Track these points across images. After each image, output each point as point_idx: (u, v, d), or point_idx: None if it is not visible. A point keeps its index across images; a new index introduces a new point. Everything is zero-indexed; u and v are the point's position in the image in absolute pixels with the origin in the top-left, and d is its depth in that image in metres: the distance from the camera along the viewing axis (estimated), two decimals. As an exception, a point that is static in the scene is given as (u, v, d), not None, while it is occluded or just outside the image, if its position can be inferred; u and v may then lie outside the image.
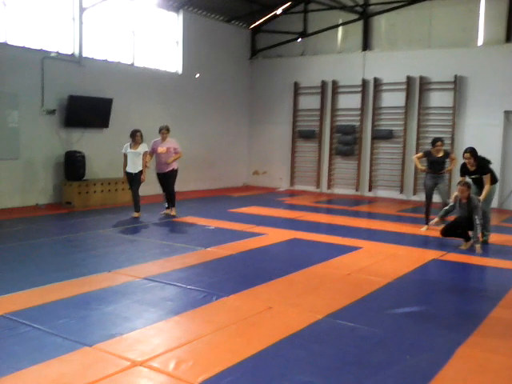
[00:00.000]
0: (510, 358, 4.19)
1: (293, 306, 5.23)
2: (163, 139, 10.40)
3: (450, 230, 8.31)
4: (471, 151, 8.48)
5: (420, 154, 10.22)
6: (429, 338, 4.57)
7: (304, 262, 6.96)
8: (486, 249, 8.21)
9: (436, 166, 9.71)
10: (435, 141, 9.84)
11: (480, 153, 8.80)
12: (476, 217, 7.85)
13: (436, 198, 10.07)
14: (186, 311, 5.01)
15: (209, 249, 7.66)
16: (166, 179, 10.39)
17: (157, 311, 5.05)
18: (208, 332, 4.49)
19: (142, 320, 4.79)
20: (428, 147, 13.85)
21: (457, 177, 9.52)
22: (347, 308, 5.26)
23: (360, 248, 8.03)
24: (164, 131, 10.41)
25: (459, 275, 6.90)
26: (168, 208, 10.57)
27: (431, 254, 7.72)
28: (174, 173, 10.42)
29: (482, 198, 8.30)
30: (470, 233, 8.13)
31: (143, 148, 10.15)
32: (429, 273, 6.94)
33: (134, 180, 10.16)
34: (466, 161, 8.54)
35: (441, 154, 9.74)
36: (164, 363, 3.89)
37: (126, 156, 10.15)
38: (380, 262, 7.28)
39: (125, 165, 10.16)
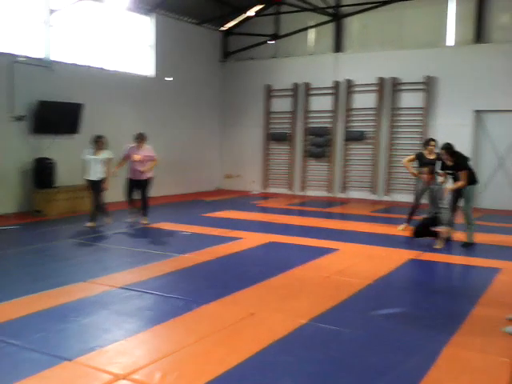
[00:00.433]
0: (496, 357, 4.20)
1: (275, 312, 5.16)
2: (139, 147, 10.17)
3: (420, 231, 8.36)
4: (445, 148, 8.53)
5: (411, 157, 9.84)
6: (414, 339, 4.56)
7: (282, 266, 6.91)
8: (460, 246, 8.32)
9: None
10: (428, 141, 9.65)
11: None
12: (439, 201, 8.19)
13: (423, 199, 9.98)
14: (166, 320, 4.89)
15: (185, 255, 7.54)
16: (141, 187, 10.15)
17: (136, 321, 4.93)
18: (191, 341, 4.39)
19: (122, 331, 4.67)
20: (400, 148, 14.16)
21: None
22: (330, 311, 5.22)
23: (337, 250, 8.02)
24: (140, 139, 10.19)
25: (437, 275, 6.97)
26: (138, 215, 10.25)
27: (408, 254, 7.76)
28: (149, 181, 10.21)
29: (450, 187, 8.51)
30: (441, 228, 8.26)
31: (106, 155, 9.81)
32: (407, 273, 6.95)
33: (95, 187, 9.77)
34: (443, 157, 8.63)
35: (433, 156, 9.41)
36: (148, 376, 3.77)
37: (85, 163, 9.70)
38: (358, 263, 7.28)
39: (86, 171, 9.72)
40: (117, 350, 4.21)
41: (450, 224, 8.58)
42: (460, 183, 8.42)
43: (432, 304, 5.71)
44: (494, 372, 3.95)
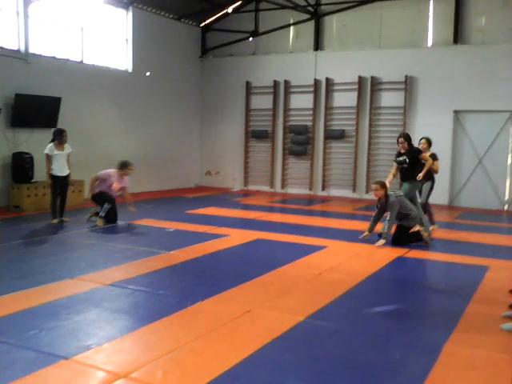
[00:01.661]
0: (496, 353, 4.20)
1: (271, 309, 5.10)
2: (121, 176, 9.82)
3: (400, 239, 8.28)
4: (404, 135, 8.80)
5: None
6: (413, 336, 4.55)
7: (273, 263, 6.84)
8: (445, 244, 8.39)
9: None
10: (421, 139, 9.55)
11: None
12: (390, 214, 8.11)
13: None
14: (161, 318, 4.77)
15: (172, 252, 7.42)
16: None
17: (130, 319, 4.81)
18: (189, 339, 4.29)
19: (117, 329, 4.54)
20: (380, 147, 14.25)
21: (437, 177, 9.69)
22: (325, 308, 5.18)
23: (325, 247, 8.00)
24: (123, 169, 9.83)
25: (427, 272, 6.99)
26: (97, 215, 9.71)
27: (395, 252, 7.77)
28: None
29: (421, 174, 8.66)
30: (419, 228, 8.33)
31: (69, 149, 9.59)
32: (397, 270, 6.95)
33: (64, 184, 9.55)
34: (400, 145, 8.76)
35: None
36: (150, 374, 3.66)
37: (50, 158, 9.37)
38: (347, 260, 7.26)
39: (49, 168, 9.39)
40: (114, 348, 4.09)
41: (423, 222, 8.66)
42: (427, 165, 8.78)
43: (426, 301, 5.74)
44: (496, 368, 3.95)
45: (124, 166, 9.84)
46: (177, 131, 15.96)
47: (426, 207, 9.21)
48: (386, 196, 8.17)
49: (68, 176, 9.62)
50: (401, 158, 8.72)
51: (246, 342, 4.26)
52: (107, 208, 9.47)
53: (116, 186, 9.68)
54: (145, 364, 3.81)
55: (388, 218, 8.15)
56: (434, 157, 9.24)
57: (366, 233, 8.53)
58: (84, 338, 4.27)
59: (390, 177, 9.02)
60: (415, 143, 9.16)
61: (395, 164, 8.99)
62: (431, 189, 9.37)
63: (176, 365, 3.82)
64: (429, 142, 9.48)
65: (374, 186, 8.37)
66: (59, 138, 9.47)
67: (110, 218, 9.56)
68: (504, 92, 12.84)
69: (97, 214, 9.58)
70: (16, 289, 5.47)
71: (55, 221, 9.47)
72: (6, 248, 7.48)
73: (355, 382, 3.68)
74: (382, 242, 8.10)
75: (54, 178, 9.42)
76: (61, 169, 9.48)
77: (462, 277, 6.57)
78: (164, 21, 15.28)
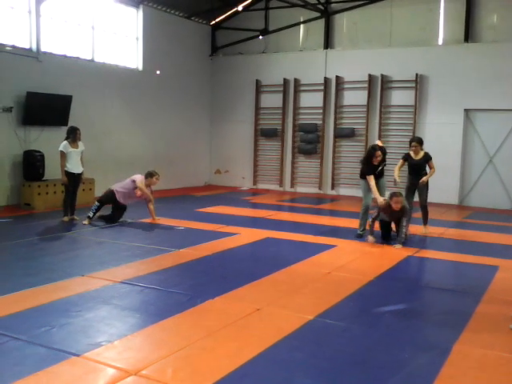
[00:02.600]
0: (505, 353, 4.18)
1: (281, 307, 5.11)
2: (149, 185, 9.83)
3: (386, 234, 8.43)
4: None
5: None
6: (423, 335, 4.55)
7: (283, 262, 6.86)
8: (455, 244, 8.38)
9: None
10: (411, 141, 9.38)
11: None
12: (407, 220, 8.18)
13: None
14: (171, 315, 4.80)
15: (182, 250, 7.44)
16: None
17: (141, 316, 4.84)
18: (199, 337, 4.31)
19: (128, 326, 4.57)
20: (390, 145, 14.17)
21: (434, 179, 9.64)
22: (335, 307, 5.18)
23: (335, 246, 8.00)
24: (157, 178, 9.87)
25: (437, 272, 6.95)
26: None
27: (405, 251, 7.75)
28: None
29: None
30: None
31: (82, 146, 9.67)
32: (407, 270, 6.95)
33: (77, 181, 9.65)
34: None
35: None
36: (160, 372, 3.69)
37: (65, 155, 9.41)
38: (357, 259, 7.26)
39: (64, 165, 9.41)
40: (125, 345, 4.12)
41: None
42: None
43: (435, 301, 5.72)
44: (506, 368, 3.94)
45: (150, 176, 9.77)
46: (186, 129, 15.99)
47: (427, 207, 9.14)
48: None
49: (82, 173, 9.72)
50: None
51: (256, 340, 4.27)
52: (95, 208, 9.45)
53: (138, 192, 9.59)
54: (155, 361, 3.84)
55: (405, 224, 8.11)
56: (430, 156, 9.10)
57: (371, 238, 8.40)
58: (95, 335, 4.30)
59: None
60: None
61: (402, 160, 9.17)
62: (427, 189, 9.24)
63: (186, 362, 3.84)
64: (419, 143, 9.08)
65: (400, 199, 7.91)
66: (73, 135, 9.53)
67: (113, 219, 9.58)
68: (515, 91, 12.76)
69: (102, 216, 9.60)
70: (27, 286, 5.52)
71: (66, 218, 9.53)
72: (17, 245, 7.54)
73: (364, 380, 3.68)
74: (399, 246, 8.04)
75: (68, 175, 9.48)
76: (76, 166, 9.55)
77: (471, 277, 6.55)
78: (174, 19, 15.30)
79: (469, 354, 4.15)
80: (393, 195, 7.96)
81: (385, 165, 8.78)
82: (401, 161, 9.23)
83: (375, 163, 8.52)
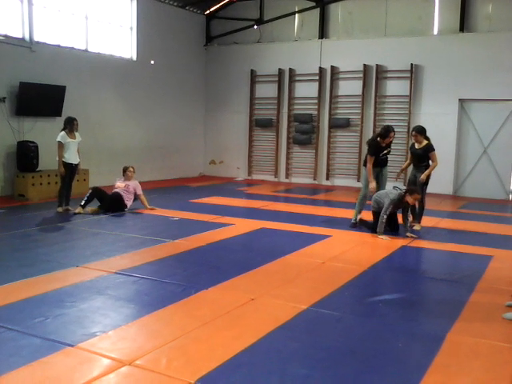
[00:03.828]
0: (498, 342, 4.21)
1: (275, 297, 5.12)
2: (127, 179, 9.98)
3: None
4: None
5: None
6: (416, 324, 4.56)
7: (277, 252, 6.86)
8: (449, 234, 8.39)
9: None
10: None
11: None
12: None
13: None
14: (165, 306, 4.80)
15: (177, 240, 7.44)
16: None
17: (135, 306, 4.84)
18: (193, 327, 4.31)
19: (122, 316, 4.57)
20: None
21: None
22: (329, 297, 5.19)
23: (329, 236, 8.01)
24: (131, 170, 9.99)
25: (431, 261, 6.99)
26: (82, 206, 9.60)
27: (399, 241, 7.78)
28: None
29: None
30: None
31: (79, 137, 9.67)
32: (401, 259, 6.96)
33: (73, 172, 9.66)
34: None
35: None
36: (154, 362, 3.69)
37: (62, 146, 9.37)
38: (351, 249, 7.28)
39: (61, 156, 9.38)
40: (119, 336, 4.12)
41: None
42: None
43: (429, 291, 5.75)
44: (499, 357, 3.96)
45: (124, 172, 10.02)
46: (181, 119, 15.94)
47: (423, 205, 9.10)
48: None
49: (78, 164, 9.70)
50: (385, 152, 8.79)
51: (250, 330, 4.28)
52: (87, 196, 9.51)
53: (119, 185, 9.86)
54: (149, 351, 3.84)
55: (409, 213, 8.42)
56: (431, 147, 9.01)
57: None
58: (89, 326, 4.30)
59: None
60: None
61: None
62: (426, 185, 9.19)
63: (180, 352, 3.85)
64: (419, 132, 8.73)
65: (419, 198, 8.24)
66: (70, 125, 9.50)
67: (105, 206, 9.62)
68: (510, 81, 12.76)
69: (99, 207, 9.59)
70: (21, 277, 5.50)
71: (60, 209, 9.51)
72: (11, 236, 7.52)
73: (358, 370, 3.70)
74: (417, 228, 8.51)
75: (66, 165, 9.45)
76: (73, 157, 9.53)
77: (465, 266, 6.57)
78: (168, 9, 15.21)
79: (462, 343, 4.18)
80: (414, 191, 8.05)
81: (389, 151, 8.74)
82: (410, 152, 9.16)
83: (383, 144, 8.50)
